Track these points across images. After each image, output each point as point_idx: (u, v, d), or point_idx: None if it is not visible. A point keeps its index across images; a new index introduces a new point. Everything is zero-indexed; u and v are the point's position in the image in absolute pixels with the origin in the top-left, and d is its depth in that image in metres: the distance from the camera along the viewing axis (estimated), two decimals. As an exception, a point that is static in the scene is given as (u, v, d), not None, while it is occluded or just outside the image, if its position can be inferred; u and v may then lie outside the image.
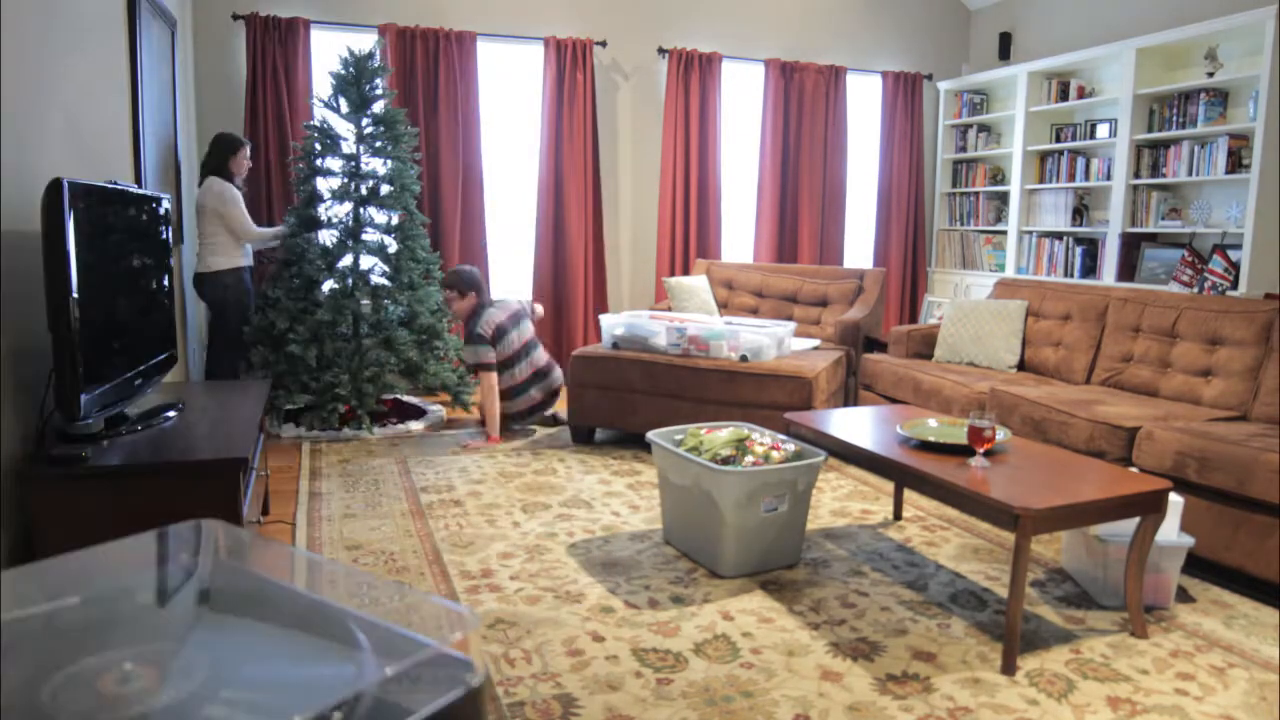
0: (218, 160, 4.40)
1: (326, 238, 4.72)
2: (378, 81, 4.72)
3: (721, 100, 6.24)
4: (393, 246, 4.76)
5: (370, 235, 4.75)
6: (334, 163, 4.72)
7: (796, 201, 6.53)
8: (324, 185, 4.75)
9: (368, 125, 4.73)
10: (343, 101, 4.68)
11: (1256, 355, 3.42)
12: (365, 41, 5.27)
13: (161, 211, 2.93)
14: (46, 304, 2.08)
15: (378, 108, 4.75)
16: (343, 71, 4.66)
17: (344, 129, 4.73)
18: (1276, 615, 2.61)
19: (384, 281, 4.73)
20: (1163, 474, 2.95)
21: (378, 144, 4.72)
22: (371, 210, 4.72)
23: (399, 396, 5.19)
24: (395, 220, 4.78)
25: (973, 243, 6.62)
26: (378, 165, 4.75)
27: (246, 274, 4.54)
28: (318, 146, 4.67)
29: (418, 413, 4.93)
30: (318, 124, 4.68)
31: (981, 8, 6.88)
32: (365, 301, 4.65)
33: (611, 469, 4.02)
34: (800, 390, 4.00)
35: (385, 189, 4.74)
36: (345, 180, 4.69)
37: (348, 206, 4.71)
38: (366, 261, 4.74)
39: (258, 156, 5.20)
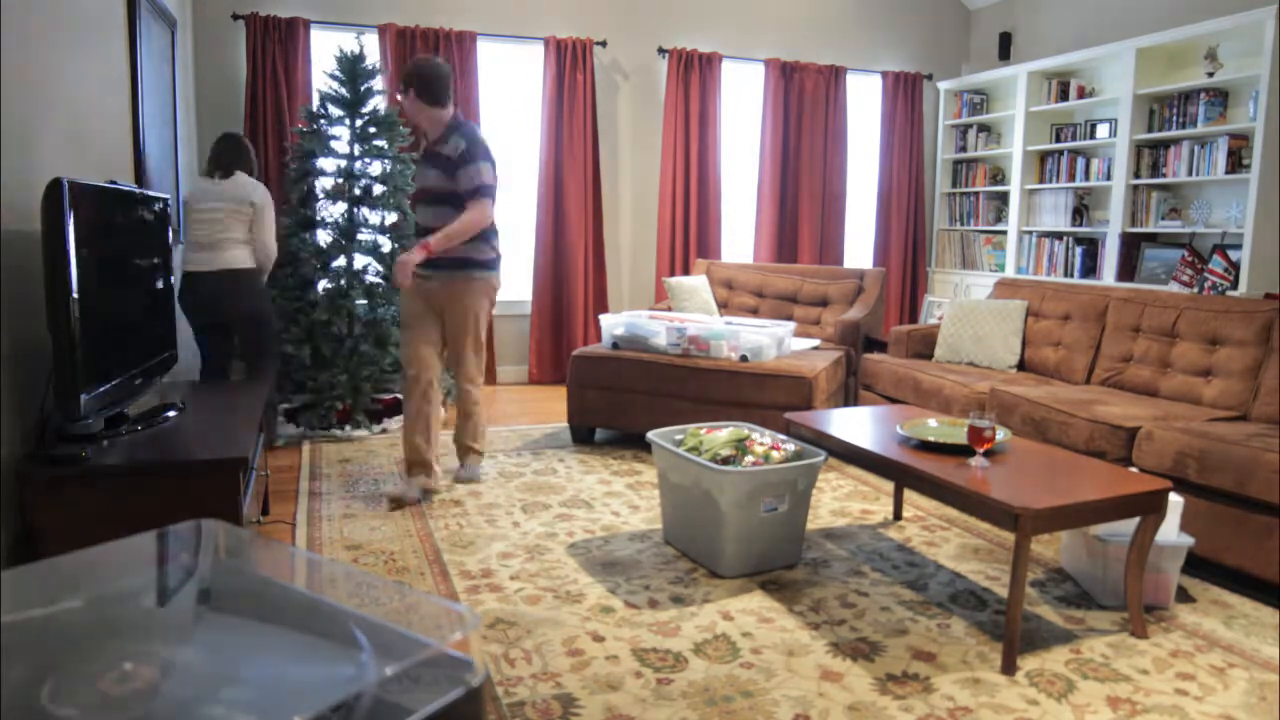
0: (250, 161, 4.04)
1: (321, 238, 4.73)
2: (371, 83, 4.72)
3: (721, 100, 6.24)
4: (386, 247, 4.76)
5: (365, 236, 4.75)
6: (328, 163, 4.73)
7: (796, 201, 6.53)
8: (320, 185, 4.76)
9: (361, 126, 4.74)
10: (334, 105, 4.70)
11: (1256, 355, 3.42)
12: (365, 41, 5.26)
13: (162, 211, 2.93)
14: (46, 304, 2.08)
15: (372, 105, 4.76)
16: (337, 72, 4.67)
17: (338, 129, 4.74)
18: (1276, 615, 2.61)
19: (379, 281, 4.73)
20: (1163, 474, 2.95)
21: (372, 144, 4.73)
22: (366, 210, 4.73)
23: (399, 396, 5.19)
24: (390, 220, 4.79)
25: (973, 243, 6.62)
26: (375, 166, 4.76)
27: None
28: (314, 148, 4.68)
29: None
30: (311, 129, 4.68)
31: (981, 8, 6.87)
32: (361, 301, 4.65)
33: (611, 469, 4.02)
34: (800, 390, 4.00)
35: (379, 189, 4.75)
36: (339, 180, 4.69)
37: (342, 207, 4.72)
38: (361, 261, 4.74)
39: (258, 157, 5.21)
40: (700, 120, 6.20)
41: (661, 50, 6.14)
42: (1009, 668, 2.23)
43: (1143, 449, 3.05)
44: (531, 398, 5.61)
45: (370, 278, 4.71)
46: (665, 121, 6.14)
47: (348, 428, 4.52)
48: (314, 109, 4.72)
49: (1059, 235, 5.90)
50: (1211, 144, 4.89)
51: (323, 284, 4.68)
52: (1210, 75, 4.91)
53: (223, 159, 4.01)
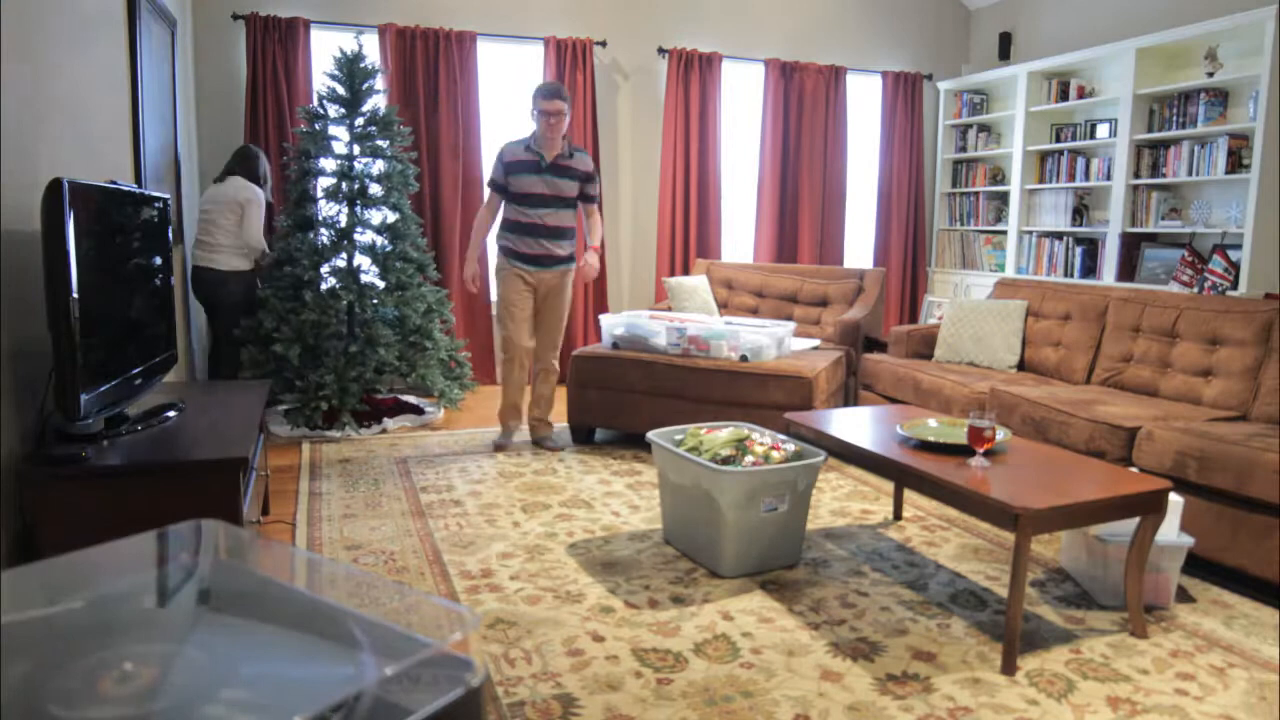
0: (250, 167, 4.55)
1: (322, 237, 4.73)
2: (370, 82, 4.72)
3: (721, 100, 6.24)
4: (384, 246, 4.76)
5: (364, 236, 4.75)
6: (328, 163, 4.73)
7: (796, 201, 6.53)
8: (321, 185, 4.76)
9: (360, 125, 4.74)
10: (333, 105, 4.70)
11: (1256, 355, 3.42)
12: (365, 41, 5.26)
13: (162, 211, 2.93)
14: (46, 304, 2.08)
15: (371, 105, 4.76)
16: (336, 72, 4.68)
17: (337, 129, 4.75)
18: (1276, 615, 2.61)
19: (376, 281, 4.73)
20: (1163, 474, 2.95)
21: (371, 144, 4.73)
22: (362, 209, 4.73)
23: (399, 396, 5.19)
24: (389, 220, 4.79)
25: (973, 243, 6.62)
26: (374, 165, 4.76)
27: (254, 277, 4.67)
28: (310, 149, 4.68)
29: (418, 411, 4.93)
30: (309, 129, 4.69)
31: (981, 8, 6.87)
32: (348, 300, 4.63)
33: (611, 469, 4.02)
34: (800, 390, 4.00)
35: (375, 188, 4.75)
36: (337, 180, 4.69)
37: (341, 206, 4.72)
38: (359, 262, 4.74)
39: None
40: (700, 120, 6.20)
41: (661, 50, 6.14)
42: (1009, 668, 2.23)
43: (1143, 449, 3.05)
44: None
45: (366, 277, 4.71)
46: (665, 121, 6.14)
47: (333, 429, 4.51)
48: (313, 109, 4.72)
49: (1059, 235, 5.90)
50: (1211, 144, 4.89)
51: (329, 283, 4.69)
52: (1210, 75, 4.91)
53: (226, 165, 4.60)
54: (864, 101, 6.77)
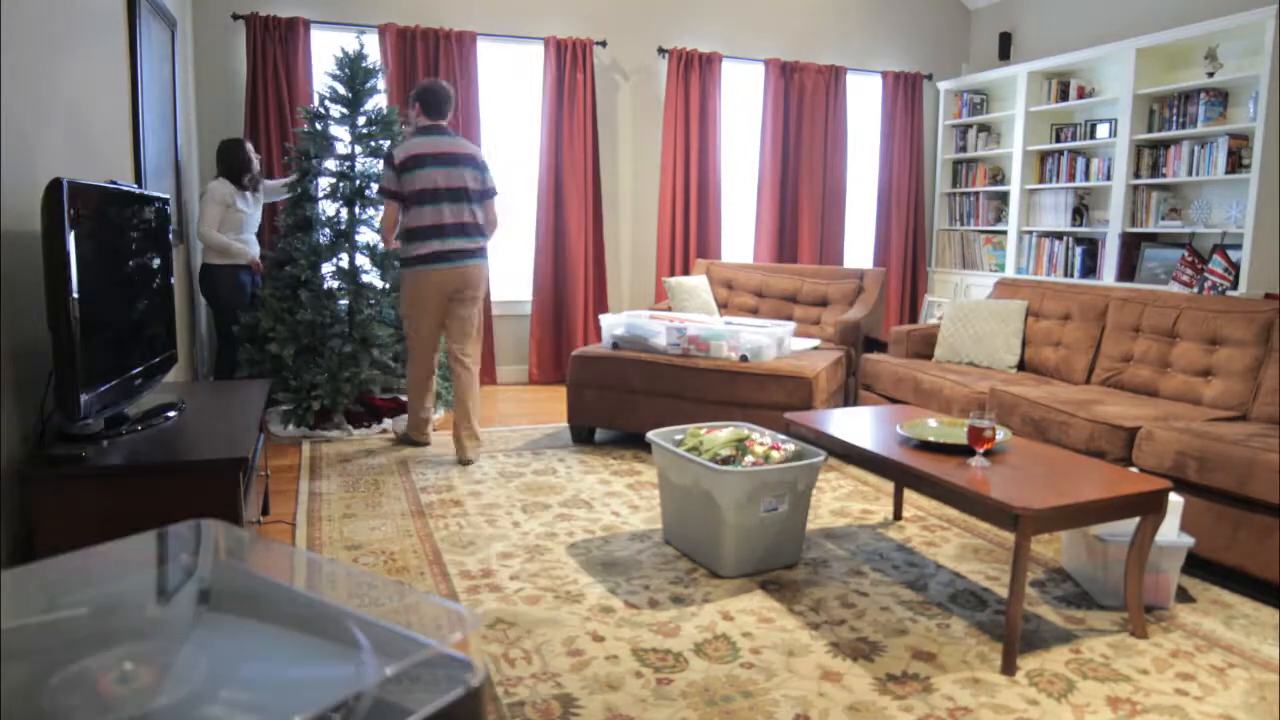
0: (227, 163, 4.58)
1: (323, 236, 4.73)
2: (372, 81, 4.72)
3: (721, 100, 6.24)
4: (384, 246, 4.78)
5: (363, 235, 4.75)
6: (329, 163, 4.73)
7: (796, 201, 6.53)
8: (322, 185, 4.76)
9: (362, 125, 4.74)
10: (335, 104, 4.70)
11: (1256, 355, 3.42)
12: (365, 41, 5.26)
13: (162, 211, 2.93)
14: (46, 304, 2.08)
15: (373, 105, 4.76)
16: (337, 72, 4.68)
17: (338, 129, 4.75)
18: (1276, 615, 2.61)
19: (376, 282, 4.73)
20: (1163, 474, 2.95)
21: (372, 144, 4.73)
22: (367, 210, 4.73)
23: (399, 396, 5.19)
24: None
25: (973, 243, 6.62)
26: (376, 165, 4.76)
27: (244, 273, 4.63)
28: (311, 149, 4.68)
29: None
30: (311, 130, 4.69)
31: (981, 8, 6.87)
32: (343, 302, 4.63)
33: (611, 469, 4.02)
34: (800, 390, 4.00)
35: (376, 188, 4.75)
36: (336, 180, 4.69)
37: (341, 206, 4.72)
38: (359, 261, 4.74)
39: (257, 156, 5.21)
40: (700, 120, 6.20)
41: (661, 50, 6.14)
42: (1009, 668, 2.23)
43: (1143, 449, 3.05)
44: (531, 398, 5.61)
45: (366, 277, 4.71)
46: (665, 121, 6.14)
47: (326, 429, 4.51)
48: (315, 109, 4.73)
49: (1059, 235, 5.90)
50: (1211, 144, 4.90)
51: (334, 283, 4.69)
52: (1210, 75, 4.91)
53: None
54: (864, 101, 6.77)
